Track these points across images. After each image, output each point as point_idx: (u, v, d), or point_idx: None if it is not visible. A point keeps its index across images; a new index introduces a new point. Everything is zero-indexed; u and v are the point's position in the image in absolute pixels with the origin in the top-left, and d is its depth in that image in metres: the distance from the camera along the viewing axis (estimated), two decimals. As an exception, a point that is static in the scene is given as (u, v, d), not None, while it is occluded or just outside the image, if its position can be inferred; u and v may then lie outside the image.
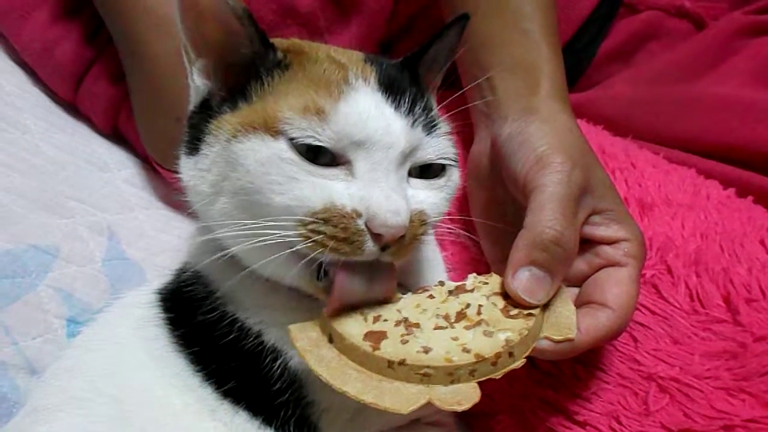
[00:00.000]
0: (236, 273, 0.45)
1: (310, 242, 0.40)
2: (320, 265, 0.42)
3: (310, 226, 0.40)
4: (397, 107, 0.44)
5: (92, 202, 0.68)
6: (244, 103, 0.44)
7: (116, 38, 0.70)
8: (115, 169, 0.75)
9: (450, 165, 0.46)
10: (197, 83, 0.47)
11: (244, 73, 0.45)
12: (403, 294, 0.44)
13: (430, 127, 0.45)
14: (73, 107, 0.78)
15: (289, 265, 0.42)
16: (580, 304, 0.46)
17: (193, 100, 0.48)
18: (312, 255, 0.41)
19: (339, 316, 0.41)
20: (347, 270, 0.41)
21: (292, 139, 0.41)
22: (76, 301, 0.59)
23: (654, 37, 0.81)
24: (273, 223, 0.40)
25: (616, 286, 0.46)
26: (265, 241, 0.41)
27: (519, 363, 0.41)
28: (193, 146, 0.45)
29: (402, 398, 0.38)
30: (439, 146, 0.45)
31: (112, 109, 0.76)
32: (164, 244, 0.71)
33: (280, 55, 0.45)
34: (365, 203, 0.41)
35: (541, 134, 0.49)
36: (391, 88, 0.44)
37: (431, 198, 0.45)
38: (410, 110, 0.44)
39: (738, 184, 0.62)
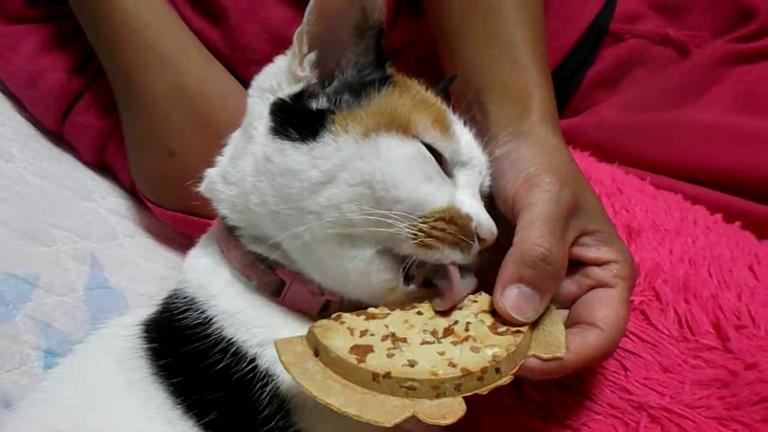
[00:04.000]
0: (245, 292, 0.48)
1: (428, 240, 0.44)
2: (405, 270, 0.45)
3: (433, 224, 0.44)
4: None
5: (76, 230, 0.68)
6: (362, 102, 0.47)
7: (110, 73, 0.70)
8: (99, 197, 0.75)
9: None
10: (305, 74, 0.48)
11: (340, 74, 0.48)
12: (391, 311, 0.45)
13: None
14: (59, 136, 0.77)
15: (378, 265, 0.45)
16: (569, 324, 0.46)
17: (286, 88, 0.48)
18: (419, 256, 0.44)
19: (326, 331, 0.41)
20: (454, 270, 0.45)
21: (425, 143, 0.46)
22: (55, 331, 0.58)
23: (639, 64, 0.81)
24: (390, 217, 0.43)
25: (605, 307, 0.46)
26: (372, 233, 0.44)
27: (506, 379, 0.40)
28: (299, 131, 0.46)
29: (386, 411, 0.37)
30: (488, 181, 0.51)
31: (98, 142, 0.76)
32: (149, 272, 0.71)
33: (390, 71, 0.49)
34: (475, 211, 0.46)
35: (531, 155, 0.49)
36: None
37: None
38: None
39: (725, 210, 0.62)
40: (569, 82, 0.82)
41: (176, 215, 0.73)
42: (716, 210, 0.62)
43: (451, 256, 0.45)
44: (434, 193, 0.45)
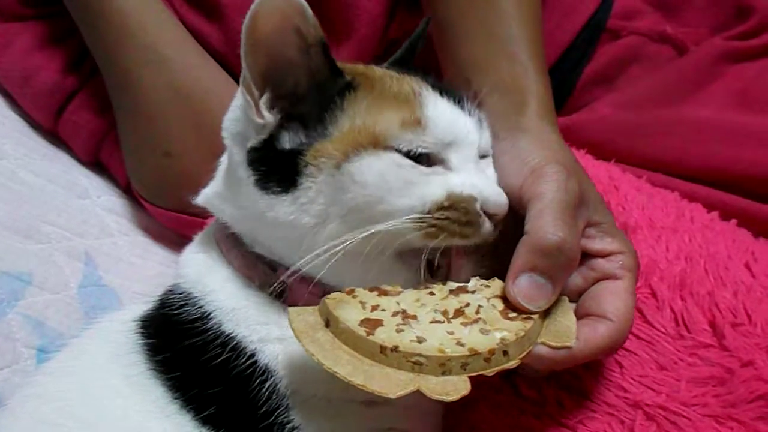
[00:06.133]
0: (245, 288, 0.48)
1: (432, 230, 0.44)
2: (428, 263, 0.45)
3: (436, 214, 0.44)
4: (461, 108, 0.49)
5: (70, 228, 0.67)
6: (329, 129, 0.45)
7: (105, 72, 0.70)
8: (94, 195, 0.75)
9: None
10: (266, 119, 0.46)
11: (300, 99, 0.46)
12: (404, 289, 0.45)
13: (479, 118, 0.50)
14: (53, 133, 0.77)
15: (400, 267, 0.45)
16: (578, 317, 0.46)
17: (254, 137, 0.47)
18: (430, 244, 0.44)
19: (338, 303, 0.42)
20: (459, 255, 0.46)
21: (400, 151, 0.45)
22: (48, 329, 0.57)
23: (636, 61, 0.81)
24: (389, 226, 0.43)
25: (614, 298, 0.46)
26: (382, 242, 0.44)
27: (513, 363, 0.41)
28: (280, 183, 0.45)
29: (391, 383, 0.38)
30: (488, 136, 0.50)
31: (94, 141, 0.76)
32: (144, 271, 0.70)
33: (348, 78, 0.47)
34: (477, 189, 0.45)
35: (533, 148, 0.49)
36: (441, 89, 0.49)
37: (493, 173, 0.50)
38: (464, 105, 0.49)
39: (721, 207, 0.62)
40: (566, 79, 0.81)
41: (172, 214, 0.72)
42: (713, 207, 0.62)
43: (460, 243, 0.45)
44: (424, 194, 0.45)
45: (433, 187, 0.45)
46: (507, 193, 0.49)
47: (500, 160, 0.50)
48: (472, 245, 0.46)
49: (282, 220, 0.45)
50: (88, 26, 0.69)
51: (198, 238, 0.55)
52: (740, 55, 0.77)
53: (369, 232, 0.43)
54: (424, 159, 0.45)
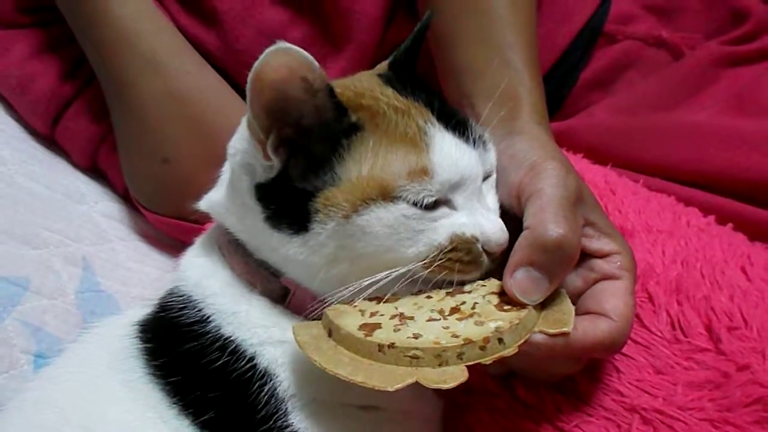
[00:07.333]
0: (247, 292, 0.48)
1: (436, 269, 0.45)
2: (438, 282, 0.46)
3: (439, 257, 0.45)
4: (466, 139, 0.48)
5: (67, 233, 0.67)
6: (337, 172, 0.45)
7: (102, 79, 0.70)
8: (92, 201, 0.75)
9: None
10: (272, 162, 0.45)
11: (306, 133, 0.45)
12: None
13: (482, 142, 0.49)
14: (51, 139, 0.77)
15: (412, 286, 0.46)
16: (577, 315, 0.46)
17: (262, 174, 0.47)
18: (434, 278, 0.46)
19: (339, 312, 0.44)
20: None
21: (408, 200, 0.45)
22: (45, 335, 0.57)
23: (632, 66, 0.81)
24: (399, 269, 0.45)
25: (614, 298, 0.46)
26: (389, 281, 0.45)
27: (510, 351, 0.41)
28: (291, 225, 0.46)
29: (390, 378, 0.40)
30: (492, 156, 0.50)
31: (91, 147, 0.76)
32: (142, 275, 0.70)
33: (353, 118, 0.46)
34: (478, 229, 0.46)
35: (530, 148, 0.50)
36: (446, 118, 0.48)
37: (494, 198, 0.50)
38: (468, 134, 0.48)
39: (717, 212, 0.62)
40: (563, 83, 0.81)
41: (170, 221, 0.72)
42: (709, 212, 0.62)
43: (463, 278, 0.46)
44: (431, 240, 0.45)
45: (439, 232, 0.46)
46: (504, 193, 0.50)
47: (498, 162, 0.51)
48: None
49: (294, 257, 0.46)
50: (85, 34, 0.69)
51: (199, 241, 0.55)
52: (736, 60, 0.78)
53: (378, 279, 0.45)
54: (430, 203, 0.46)
